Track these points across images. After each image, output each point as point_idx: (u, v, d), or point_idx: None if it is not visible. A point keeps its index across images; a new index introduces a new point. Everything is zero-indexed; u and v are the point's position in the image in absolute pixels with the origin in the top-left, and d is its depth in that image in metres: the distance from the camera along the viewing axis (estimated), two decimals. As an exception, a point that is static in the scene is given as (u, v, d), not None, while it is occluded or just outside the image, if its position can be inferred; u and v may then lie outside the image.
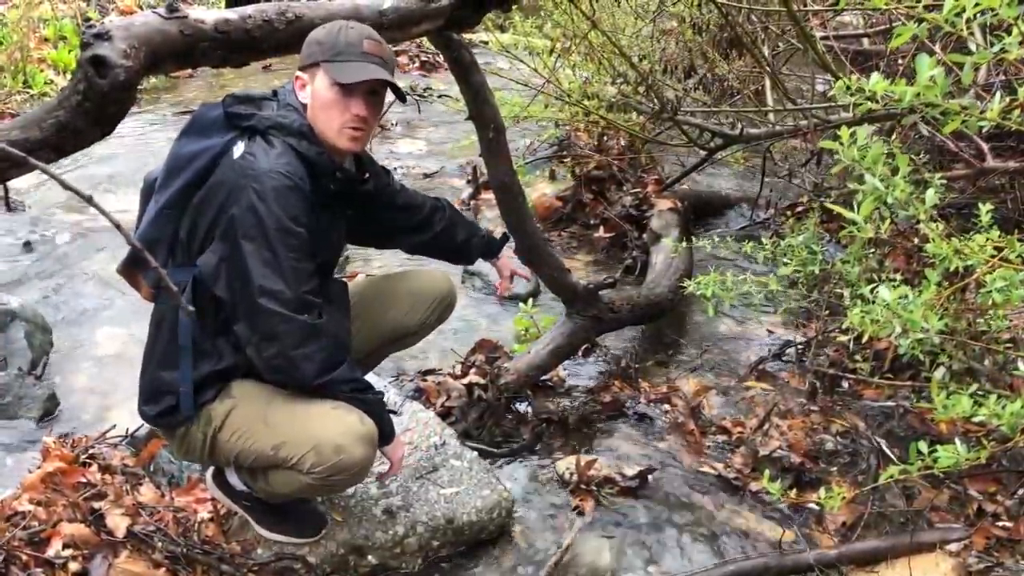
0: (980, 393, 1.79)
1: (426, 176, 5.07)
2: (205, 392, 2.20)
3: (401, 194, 2.61)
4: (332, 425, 2.15)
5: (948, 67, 1.77)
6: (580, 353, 3.51)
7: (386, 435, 2.30)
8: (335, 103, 2.14)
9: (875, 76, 1.59)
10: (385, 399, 2.32)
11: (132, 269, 2.29)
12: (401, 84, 2.25)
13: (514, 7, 2.55)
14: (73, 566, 2.20)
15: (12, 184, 4.20)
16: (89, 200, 0.90)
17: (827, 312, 3.44)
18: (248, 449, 2.20)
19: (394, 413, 2.40)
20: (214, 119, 2.19)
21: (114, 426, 2.83)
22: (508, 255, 2.89)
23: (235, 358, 2.19)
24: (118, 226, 0.87)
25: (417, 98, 5.80)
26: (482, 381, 3.15)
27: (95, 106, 1.73)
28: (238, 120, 2.16)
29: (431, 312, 2.65)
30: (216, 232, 2.11)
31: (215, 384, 2.21)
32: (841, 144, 1.77)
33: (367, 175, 2.40)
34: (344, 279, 2.70)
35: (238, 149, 2.12)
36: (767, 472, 2.25)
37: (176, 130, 5.56)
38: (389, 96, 2.25)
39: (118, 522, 2.33)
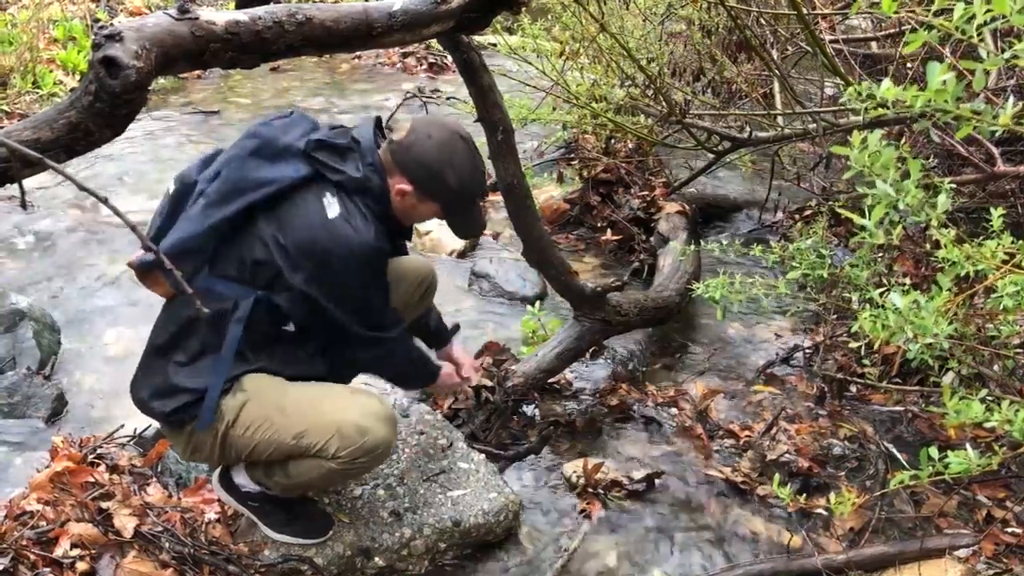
0: (990, 399, 1.78)
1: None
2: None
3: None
4: (353, 408, 2.20)
5: (959, 71, 1.76)
6: (587, 356, 3.50)
7: (428, 378, 2.57)
8: (428, 217, 2.35)
9: (886, 82, 1.58)
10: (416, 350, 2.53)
11: (153, 267, 2.28)
12: (408, 86, 2.29)
13: (523, 10, 2.54)
14: (81, 566, 2.20)
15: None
16: (105, 201, 0.90)
17: (835, 316, 3.44)
18: (266, 441, 2.21)
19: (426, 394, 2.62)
20: (287, 146, 2.19)
21: (122, 426, 2.83)
22: (458, 345, 2.89)
23: (263, 363, 2.23)
24: (134, 228, 0.88)
25: (425, 100, 5.81)
26: (489, 384, 3.15)
27: (106, 107, 1.74)
28: (322, 169, 2.19)
29: (413, 294, 2.69)
30: (303, 282, 2.15)
31: (232, 380, 2.22)
32: (852, 148, 1.76)
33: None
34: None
35: (330, 207, 2.15)
36: (776, 477, 2.24)
37: (185, 130, 5.56)
38: (399, 96, 2.28)
39: (125, 522, 2.34)
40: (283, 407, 2.20)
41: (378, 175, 2.21)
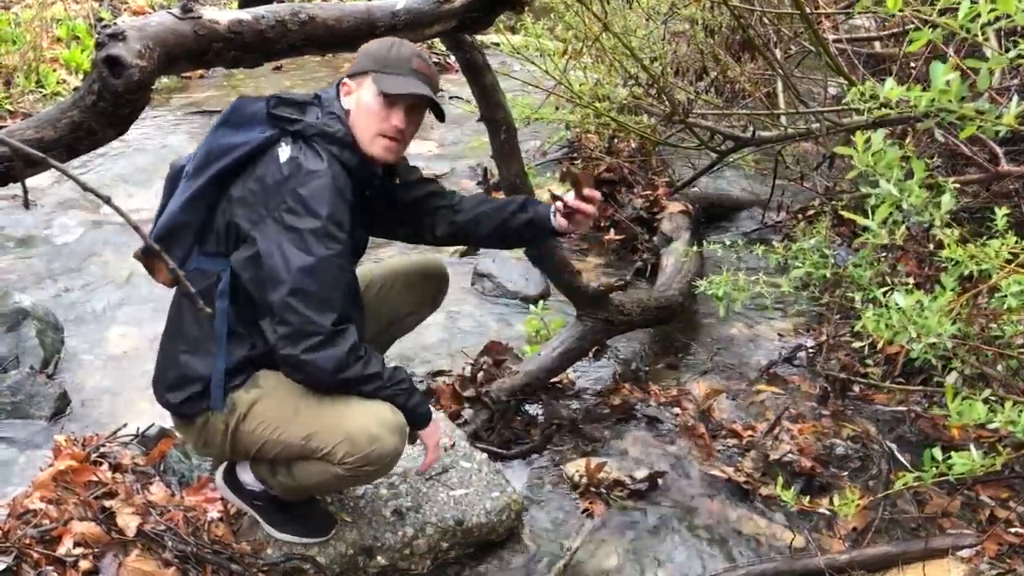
0: (993, 399, 1.78)
1: (437, 177, 5.06)
2: (232, 379, 2.21)
3: (435, 192, 2.55)
4: (364, 415, 2.17)
5: (963, 71, 1.76)
6: (590, 355, 3.50)
7: (419, 418, 2.29)
8: (377, 111, 2.20)
9: (889, 82, 1.58)
10: (413, 383, 2.30)
11: (151, 256, 2.30)
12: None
13: (525, 9, 2.54)
14: (84, 564, 2.20)
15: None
16: (107, 201, 0.90)
17: (838, 316, 3.43)
18: (275, 440, 2.20)
19: (428, 393, 2.38)
20: (254, 113, 2.22)
21: (125, 425, 2.83)
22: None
23: (267, 347, 2.18)
24: (136, 227, 0.88)
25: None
26: (492, 383, 3.15)
27: (109, 106, 1.74)
28: (283, 123, 2.18)
29: (425, 293, 2.68)
30: (254, 229, 2.13)
31: (244, 371, 2.22)
32: (855, 149, 1.76)
33: (398, 180, 2.46)
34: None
35: (284, 152, 2.15)
36: (779, 477, 2.24)
37: (188, 129, 5.56)
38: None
39: (128, 521, 2.34)
40: (296, 408, 2.20)
41: (340, 123, 2.19)
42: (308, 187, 2.09)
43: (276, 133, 2.18)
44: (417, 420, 2.29)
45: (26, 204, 0.92)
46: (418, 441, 2.37)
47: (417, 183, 2.54)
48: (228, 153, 2.18)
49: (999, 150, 3.12)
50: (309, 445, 2.18)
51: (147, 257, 2.30)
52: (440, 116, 2.32)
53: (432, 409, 2.36)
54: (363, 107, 2.20)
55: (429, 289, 2.68)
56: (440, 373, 3.36)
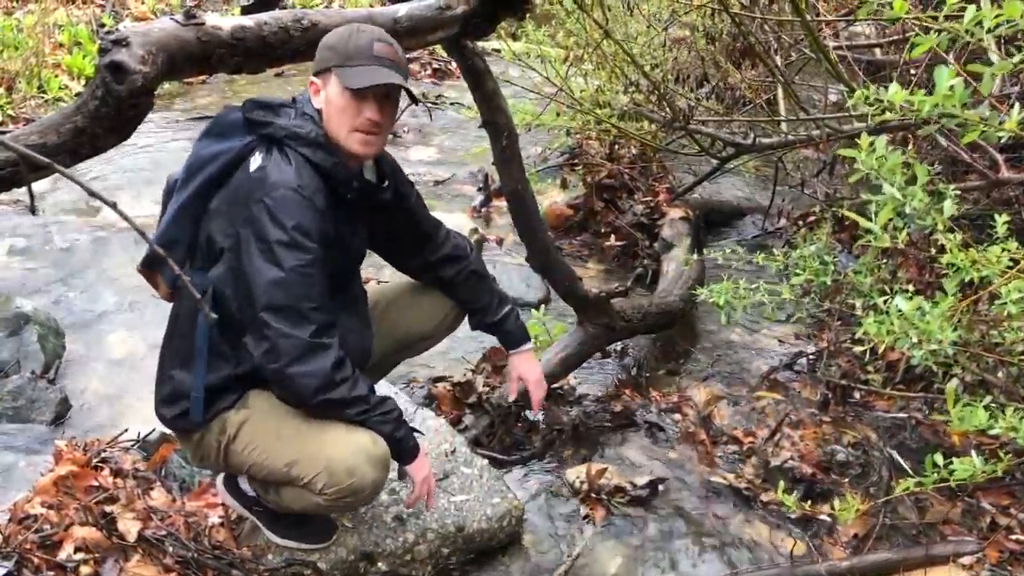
0: (994, 405, 1.78)
1: (437, 183, 5.07)
2: (222, 398, 2.20)
3: (423, 219, 2.52)
4: (345, 446, 2.14)
5: (964, 78, 1.77)
6: (600, 357, 3.50)
7: (406, 451, 2.25)
8: (347, 108, 2.13)
9: (893, 86, 1.59)
10: (403, 415, 2.24)
11: (151, 269, 2.30)
12: (414, 90, 2.26)
13: (527, 16, 2.55)
14: (85, 570, 2.20)
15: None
16: (113, 206, 0.90)
17: (839, 322, 3.43)
18: (261, 463, 2.20)
19: (417, 432, 2.31)
20: (233, 121, 2.21)
21: (126, 430, 2.83)
22: (526, 354, 2.71)
23: (253, 364, 2.15)
24: (141, 232, 0.88)
25: (429, 105, 5.81)
26: (493, 389, 3.15)
27: (113, 111, 1.75)
28: (256, 127, 2.17)
29: (444, 318, 2.64)
30: (227, 242, 2.12)
31: (234, 390, 2.21)
32: (860, 151, 1.77)
33: (386, 182, 2.35)
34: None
35: (254, 161, 2.13)
36: (780, 483, 2.24)
37: (190, 134, 5.58)
38: (403, 101, 2.26)
39: (129, 526, 2.34)
40: (280, 433, 2.18)
41: (312, 123, 2.15)
42: (273, 197, 2.06)
43: (253, 140, 2.16)
44: (403, 453, 2.25)
45: (32, 209, 0.92)
46: (406, 476, 2.34)
47: (412, 211, 2.48)
48: (209, 164, 2.17)
49: (999, 157, 3.13)
50: (291, 472, 2.17)
51: (148, 271, 2.30)
52: (413, 99, 2.26)
53: (420, 444, 2.29)
54: (333, 105, 2.14)
55: (450, 314, 2.63)
56: (441, 379, 3.36)
